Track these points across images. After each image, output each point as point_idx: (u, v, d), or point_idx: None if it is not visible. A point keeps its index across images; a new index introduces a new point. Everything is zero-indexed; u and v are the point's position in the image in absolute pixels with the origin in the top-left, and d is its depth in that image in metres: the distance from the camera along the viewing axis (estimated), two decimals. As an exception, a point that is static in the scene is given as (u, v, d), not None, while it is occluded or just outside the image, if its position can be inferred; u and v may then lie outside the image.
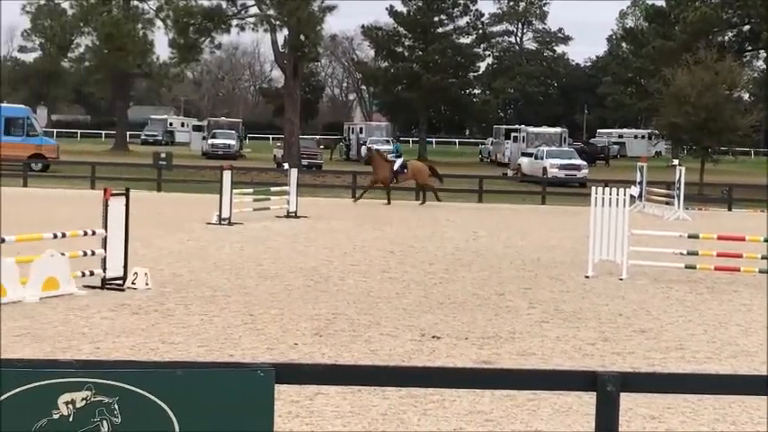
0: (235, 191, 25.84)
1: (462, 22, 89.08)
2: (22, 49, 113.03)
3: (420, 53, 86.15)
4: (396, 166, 34.25)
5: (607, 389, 4.44)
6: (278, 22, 57.59)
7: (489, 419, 8.16)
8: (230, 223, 24.66)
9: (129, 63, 78.37)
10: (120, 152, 74.40)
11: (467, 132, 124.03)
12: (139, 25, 78.45)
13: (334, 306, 13.35)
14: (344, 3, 79.21)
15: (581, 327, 12.51)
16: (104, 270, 14.09)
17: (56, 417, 4.67)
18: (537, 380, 4.83)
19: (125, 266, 14.23)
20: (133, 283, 14.17)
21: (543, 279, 16.81)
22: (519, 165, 58.45)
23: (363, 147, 45.93)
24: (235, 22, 60.11)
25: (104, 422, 4.73)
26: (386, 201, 34.08)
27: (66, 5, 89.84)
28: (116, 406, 4.72)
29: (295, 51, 56.45)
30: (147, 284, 14.21)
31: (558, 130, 71.78)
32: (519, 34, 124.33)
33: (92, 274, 14.00)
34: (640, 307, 14.14)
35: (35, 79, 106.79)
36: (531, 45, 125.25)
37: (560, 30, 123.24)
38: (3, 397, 4.66)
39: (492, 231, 25.49)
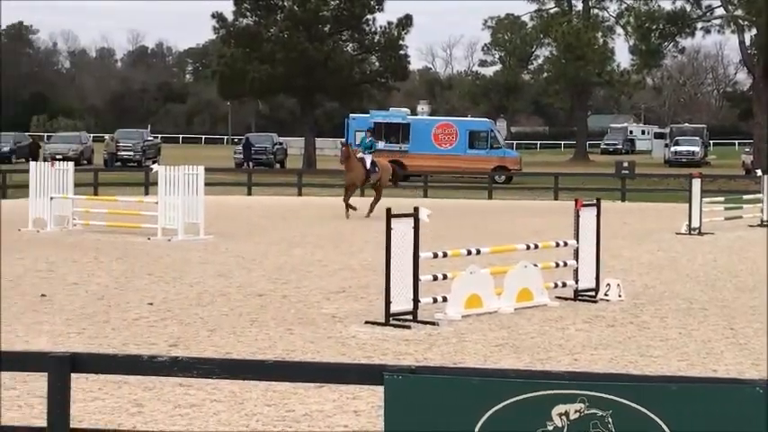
0: (704, 199, 25.13)
1: None
2: (482, 63, 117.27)
3: None
4: (368, 165, 28.90)
5: None
6: (746, 23, 55.57)
7: None
8: (701, 233, 24.03)
9: (589, 72, 78.89)
10: (581, 162, 75.00)
11: None
12: (599, 33, 78.78)
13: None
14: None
15: None
16: (576, 281, 14.15)
17: (549, 428, 4.68)
18: None
19: (597, 278, 14.20)
20: (606, 295, 14.11)
21: None
22: None
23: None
24: (699, 24, 58.77)
25: (598, 435, 4.70)
26: (347, 209, 28.14)
27: (526, 18, 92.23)
28: (610, 419, 4.66)
29: (764, 51, 54.15)
30: (619, 296, 14.10)
31: None
32: None
33: (564, 285, 14.08)
34: None
35: (495, 92, 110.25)
36: None
37: None
38: (498, 407, 4.74)
39: None
